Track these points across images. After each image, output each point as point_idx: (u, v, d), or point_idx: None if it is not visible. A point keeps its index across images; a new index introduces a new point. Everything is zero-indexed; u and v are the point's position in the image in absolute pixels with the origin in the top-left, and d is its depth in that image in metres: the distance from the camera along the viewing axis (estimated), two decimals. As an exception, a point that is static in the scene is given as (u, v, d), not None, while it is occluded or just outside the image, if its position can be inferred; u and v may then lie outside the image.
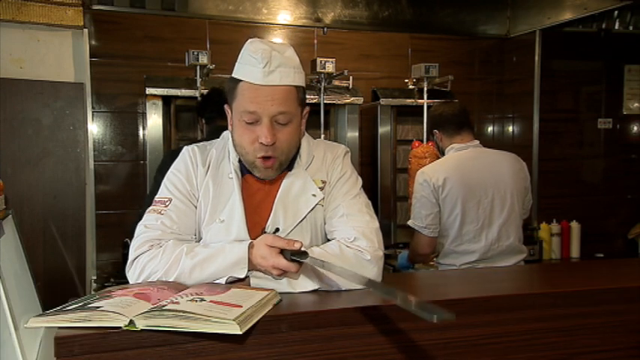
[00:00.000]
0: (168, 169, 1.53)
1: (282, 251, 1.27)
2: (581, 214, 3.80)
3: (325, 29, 3.49)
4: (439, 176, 2.37)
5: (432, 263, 2.77)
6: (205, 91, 2.92)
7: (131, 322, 1.02)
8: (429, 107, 3.55)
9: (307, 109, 1.49)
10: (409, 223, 2.48)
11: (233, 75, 1.41)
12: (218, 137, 1.59)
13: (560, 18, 3.48)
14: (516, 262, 2.44)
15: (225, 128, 1.53)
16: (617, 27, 3.86)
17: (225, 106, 1.48)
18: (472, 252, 2.39)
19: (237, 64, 1.41)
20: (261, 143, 1.37)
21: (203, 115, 2.74)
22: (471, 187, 2.37)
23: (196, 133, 3.07)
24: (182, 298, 1.12)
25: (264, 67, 1.34)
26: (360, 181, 1.54)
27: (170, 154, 2.48)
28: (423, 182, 2.40)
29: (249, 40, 1.41)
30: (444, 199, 2.37)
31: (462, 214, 2.36)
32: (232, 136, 1.47)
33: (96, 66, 3.01)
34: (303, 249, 1.26)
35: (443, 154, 2.58)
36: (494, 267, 2.35)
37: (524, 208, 2.53)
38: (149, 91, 3.10)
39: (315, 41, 3.57)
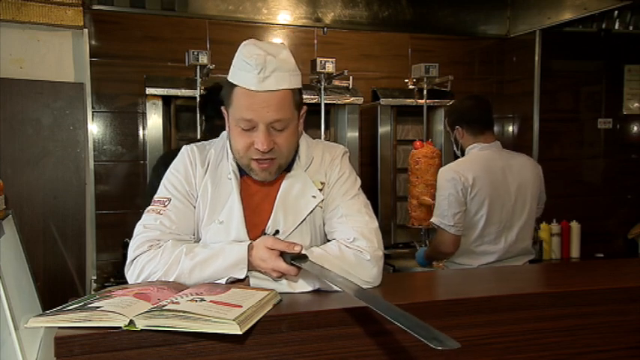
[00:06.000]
0: (161, 171, 1.53)
1: (282, 254, 1.27)
2: (581, 214, 3.80)
3: (325, 29, 3.49)
4: (468, 175, 2.35)
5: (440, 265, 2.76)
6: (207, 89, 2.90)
7: (131, 322, 1.02)
8: (429, 107, 3.56)
9: (305, 108, 1.47)
10: (433, 220, 2.42)
11: (229, 79, 1.39)
12: (215, 136, 1.58)
13: (560, 18, 3.48)
14: (524, 262, 2.45)
15: (223, 127, 1.52)
16: (617, 27, 3.85)
17: (222, 108, 1.46)
18: (491, 253, 2.39)
19: (232, 67, 1.38)
20: (257, 149, 1.36)
21: (203, 113, 2.74)
22: (498, 188, 2.37)
23: (196, 132, 3.06)
24: (182, 298, 1.12)
25: (259, 72, 1.31)
26: (358, 181, 1.54)
27: (163, 157, 2.50)
28: (452, 180, 2.36)
29: (243, 43, 1.38)
30: (472, 199, 2.35)
31: (487, 215, 2.35)
32: (229, 139, 1.46)
33: (96, 66, 3.01)
34: (303, 252, 1.26)
35: (461, 151, 2.55)
36: (495, 267, 2.35)
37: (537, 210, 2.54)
38: (149, 91, 3.10)
39: (315, 41, 3.57)
